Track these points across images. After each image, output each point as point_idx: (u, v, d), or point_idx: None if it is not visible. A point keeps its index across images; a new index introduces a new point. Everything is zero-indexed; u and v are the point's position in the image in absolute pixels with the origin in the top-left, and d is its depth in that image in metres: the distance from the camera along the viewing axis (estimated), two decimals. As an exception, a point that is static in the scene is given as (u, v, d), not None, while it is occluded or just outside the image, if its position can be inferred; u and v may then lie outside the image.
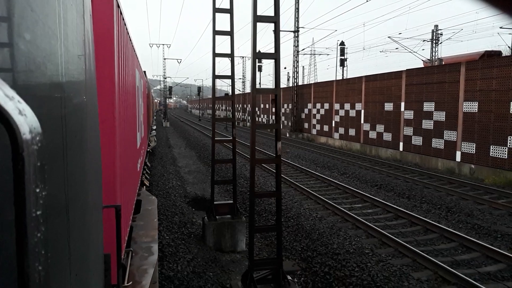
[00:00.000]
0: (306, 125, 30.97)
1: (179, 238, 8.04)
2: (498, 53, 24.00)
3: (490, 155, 14.95)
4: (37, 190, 0.52)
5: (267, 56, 5.37)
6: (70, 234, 1.00)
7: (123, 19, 4.02)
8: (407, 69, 19.70)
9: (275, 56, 5.03)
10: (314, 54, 61.47)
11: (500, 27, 38.06)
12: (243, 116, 48.77)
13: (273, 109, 38.56)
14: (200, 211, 10.57)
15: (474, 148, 15.69)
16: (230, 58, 8.10)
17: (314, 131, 29.62)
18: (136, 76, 6.11)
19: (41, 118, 0.56)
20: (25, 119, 0.50)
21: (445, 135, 17.14)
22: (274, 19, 4.89)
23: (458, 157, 16.45)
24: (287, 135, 32.57)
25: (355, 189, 11.67)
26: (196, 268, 6.85)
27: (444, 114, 17.22)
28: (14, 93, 0.51)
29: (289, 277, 5.49)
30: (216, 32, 7.90)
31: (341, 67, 35.18)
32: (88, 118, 1.37)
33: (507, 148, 14.28)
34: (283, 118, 36.14)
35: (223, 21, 8.34)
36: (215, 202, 8.58)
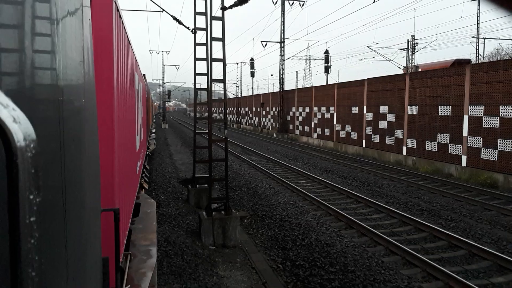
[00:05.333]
0: (291, 126, 35.04)
1: (170, 198, 12.09)
2: (468, 61, 28.04)
3: (426, 149, 18.96)
4: (31, 197, 0.53)
5: (218, 80, 9.43)
6: (67, 238, 1.02)
7: (122, 23, 4.13)
8: (368, 78, 23.75)
9: (224, 81, 9.10)
10: (309, 59, 65.54)
11: (472, 37, 42.15)
12: (236, 119, 52.91)
13: (263, 112, 42.63)
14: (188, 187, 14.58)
15: (415, 143, 19.70)
16: (207, 76, 12.18)
17: (297, 132, 33.68)
18: (135, 80, 6.22)
19: (38, 123, 0.57)
20: (20, 127, 0.51)
21: (395, 133, 21.16)
22: (222, 60, 8.96)
23: (404, 151, 20.47)
24: (274, 136, 36.61)
25: (307, 172, 15.71)
26: (181, 213, 10.87)
27: (395, 116, 21.25)
28: (9, 101, 0.52)
29: (233, 210, 9.49)
30: (196, 59, 11.98)
31: (326, 74, 39.14)
32: (86, 122, 1.40)
33: (436, 143, 18.29)
34: (272, 120, 40.23)
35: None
36: (196, 175, 12.62)
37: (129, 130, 5.04)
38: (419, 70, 28.76)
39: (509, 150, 14.83)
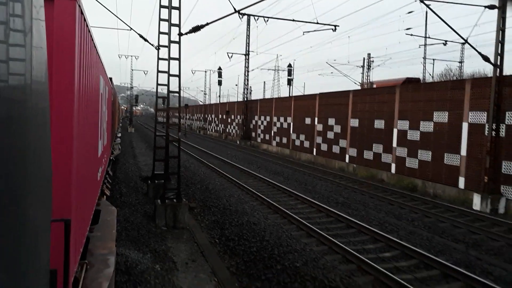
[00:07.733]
0: (253, 134, 37.59)
1: (132, 191, 14.15)
2: (417, 79, 31.54)
3: (364, 157, 21.90)
4: None
5: (175, 92, 11.72)
6: (6, 255, 1.00)
7: (87, 27, 4.17)
8: (319, 93, 26.68)
9: (179, 92, 11.40)
10: (276, 70, 68.67)
11: (423, 57, 46.50)
12: (203, 125, 55.01)
13: (229, 120, 44.99)
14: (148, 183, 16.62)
15: (355, 152, 22.64)
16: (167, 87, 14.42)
17: (259, 139, 36.26)
18: (100, 83, 6.24)
19: None
20: None
21: (340, 143, 24.08)
22: (178, 75, 11.26)
23: (347, 159, 23.37)
24: (238, 142, 39.01)
25: (257, 173, 18.15)
26: (140, 202, 12.97)
27: (340, 127, 24.19)
28: None
29: (184, 199, 11.71)
30: (159, 71, 14.19)
31: (288, 86, 42.09)
32: (33, 127, 1.33)
33: (372, 152, 21.26)
34: (236, 128, 42.64)
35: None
36: (155, 172, 14.75)
37: (91, 135, 4.99)
38: (374, 86, 32.00)
39: (426, 160, 17.88)
